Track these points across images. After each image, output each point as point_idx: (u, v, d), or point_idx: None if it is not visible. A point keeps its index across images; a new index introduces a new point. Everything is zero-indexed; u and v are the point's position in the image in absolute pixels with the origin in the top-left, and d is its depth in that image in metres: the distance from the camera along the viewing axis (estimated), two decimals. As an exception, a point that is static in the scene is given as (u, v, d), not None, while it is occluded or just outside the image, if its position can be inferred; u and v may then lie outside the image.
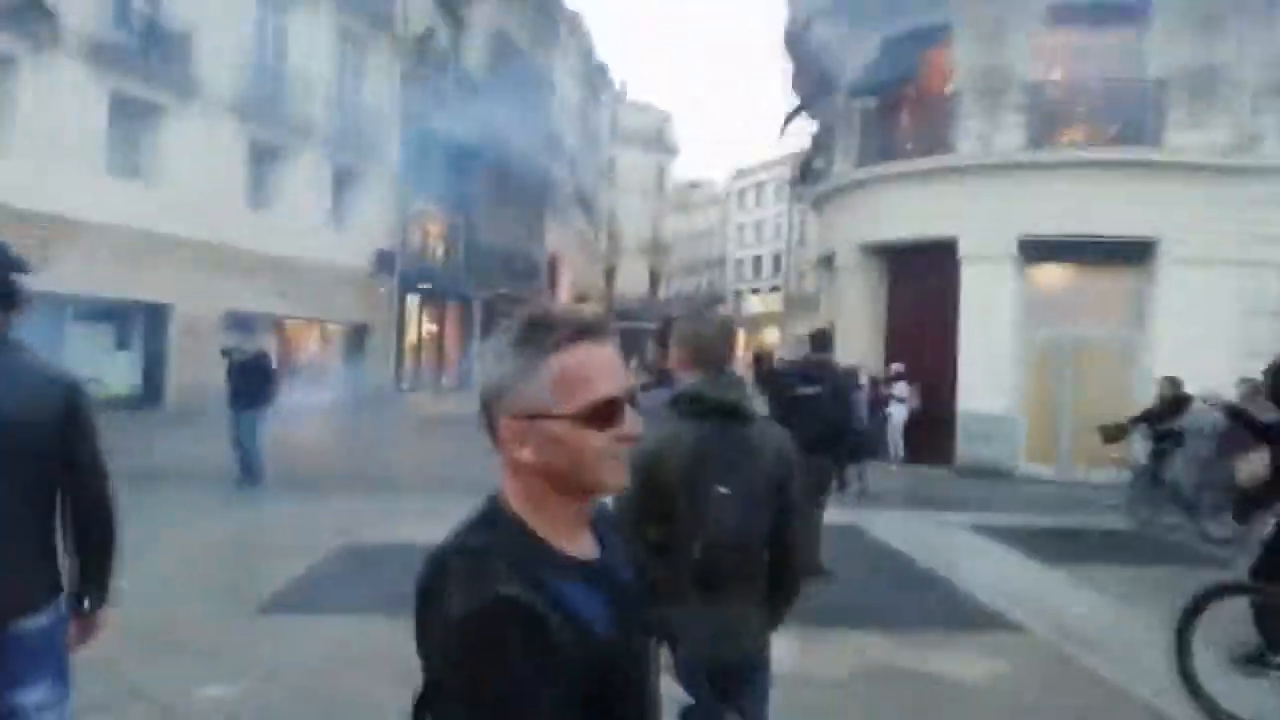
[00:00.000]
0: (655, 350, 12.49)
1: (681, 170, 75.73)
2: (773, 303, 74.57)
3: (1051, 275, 15.10)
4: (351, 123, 23.39)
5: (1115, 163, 14.22)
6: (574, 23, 42.66)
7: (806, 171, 21.33)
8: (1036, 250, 14.72)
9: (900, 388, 15.53)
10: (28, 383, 2.32)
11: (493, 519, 1.27)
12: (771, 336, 68.04)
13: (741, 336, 76.81)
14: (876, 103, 16.64)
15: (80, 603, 2.47)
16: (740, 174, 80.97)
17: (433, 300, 27.73)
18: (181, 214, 17.98)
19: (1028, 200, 14.54)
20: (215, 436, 11.58)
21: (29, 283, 2.44)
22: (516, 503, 1.27)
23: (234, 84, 19.79)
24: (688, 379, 2.51)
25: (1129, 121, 14.48)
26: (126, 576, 2.81)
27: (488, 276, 30.20)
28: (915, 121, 16.35)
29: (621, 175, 58.36)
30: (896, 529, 9.70)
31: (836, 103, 17.67)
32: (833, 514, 7.66)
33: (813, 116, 19.43)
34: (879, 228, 16.47)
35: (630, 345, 57.15)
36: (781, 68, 26.07)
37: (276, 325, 21.46)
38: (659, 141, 63.70)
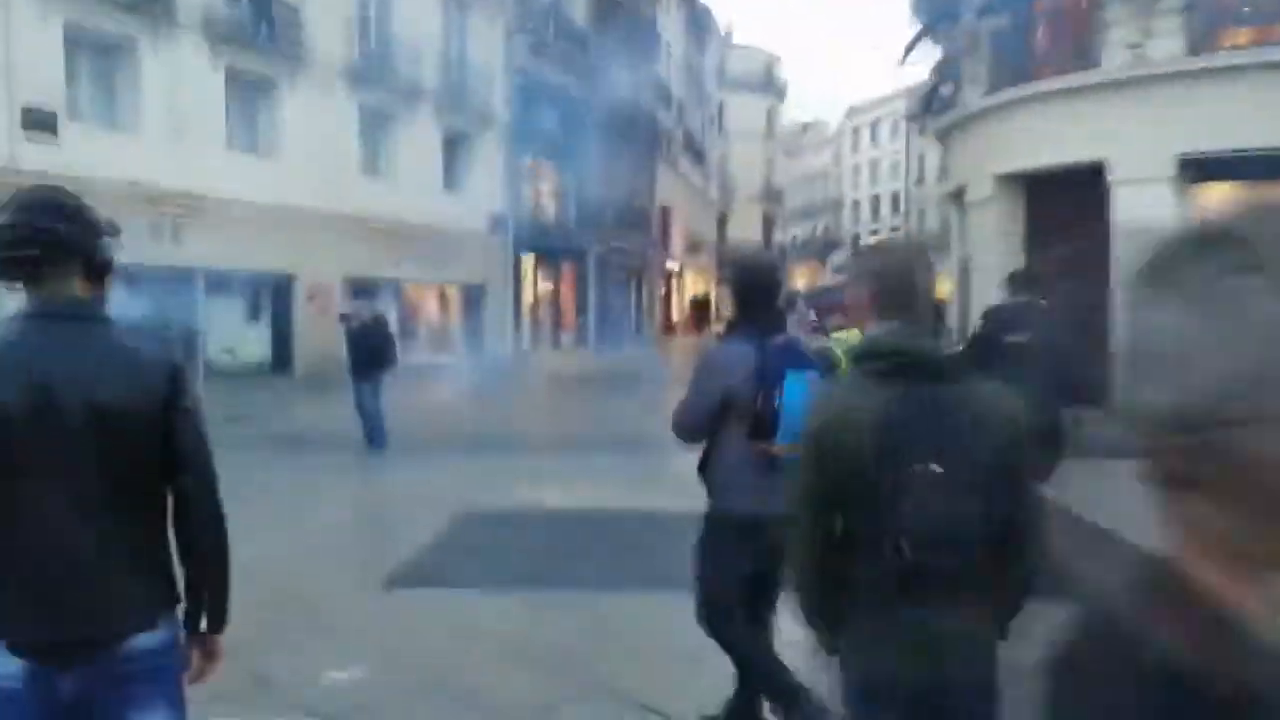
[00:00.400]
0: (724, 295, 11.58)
1: (792, 113, 73.55)
2: (892, 244, 71.84)
3: (1220, 197, 13.65)
4: (459, 83, 23.29)
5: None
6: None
7: (930, 102, 20.02)
8: (1201, 169, 13.30)
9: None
10: (124, 365, 1.97)
11: (1163, 589, 0.74)
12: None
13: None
14: (1009, 20, 15.30)
15: (196, 624, 2.12)
16: (852, 112, 78.09)
17: (547, 258, 27.68)
18: (300, 184, 18.24)
19: (1189, 113, 13.10)
20: (342, 402, 11.69)
21: (120, 251, 2.10)
22: (1195, 565, 0.73)
23: (343, 51, 19.88)
24: (870, 328, 2.01)
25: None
26: (257, 548, 2.49)
27: (600, 231, 29.92)
28: (1054, 36, 14.95)
29: (731, 121, 56.99)
30: (1080, 489, 8.85)
31: (963, 24, 16.37)
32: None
33: (936, 41, 18.11)
34: (1015, 156, 15.25)
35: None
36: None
37: (397, 289, 21.75)
38: (768, 84, 61.88)
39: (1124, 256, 13.91)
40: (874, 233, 75.19)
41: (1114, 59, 13.68)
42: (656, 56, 36.21)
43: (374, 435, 10.86)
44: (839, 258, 75.96)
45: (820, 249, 77.25)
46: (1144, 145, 13.49)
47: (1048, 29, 15.06)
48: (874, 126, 75.70)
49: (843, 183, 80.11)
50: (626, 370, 22.32)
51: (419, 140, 21.98)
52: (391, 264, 20.78)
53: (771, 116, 62.73)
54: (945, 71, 17.86)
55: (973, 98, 16.46)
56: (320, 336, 18.85)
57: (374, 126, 21.08)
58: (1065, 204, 14.91)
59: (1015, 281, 6.60)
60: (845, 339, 3.88)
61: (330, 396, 13.70)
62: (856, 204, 78.42)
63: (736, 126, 57.37)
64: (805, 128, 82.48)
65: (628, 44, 31.09)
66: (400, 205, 20.85)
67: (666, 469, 7.21)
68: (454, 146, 23.46)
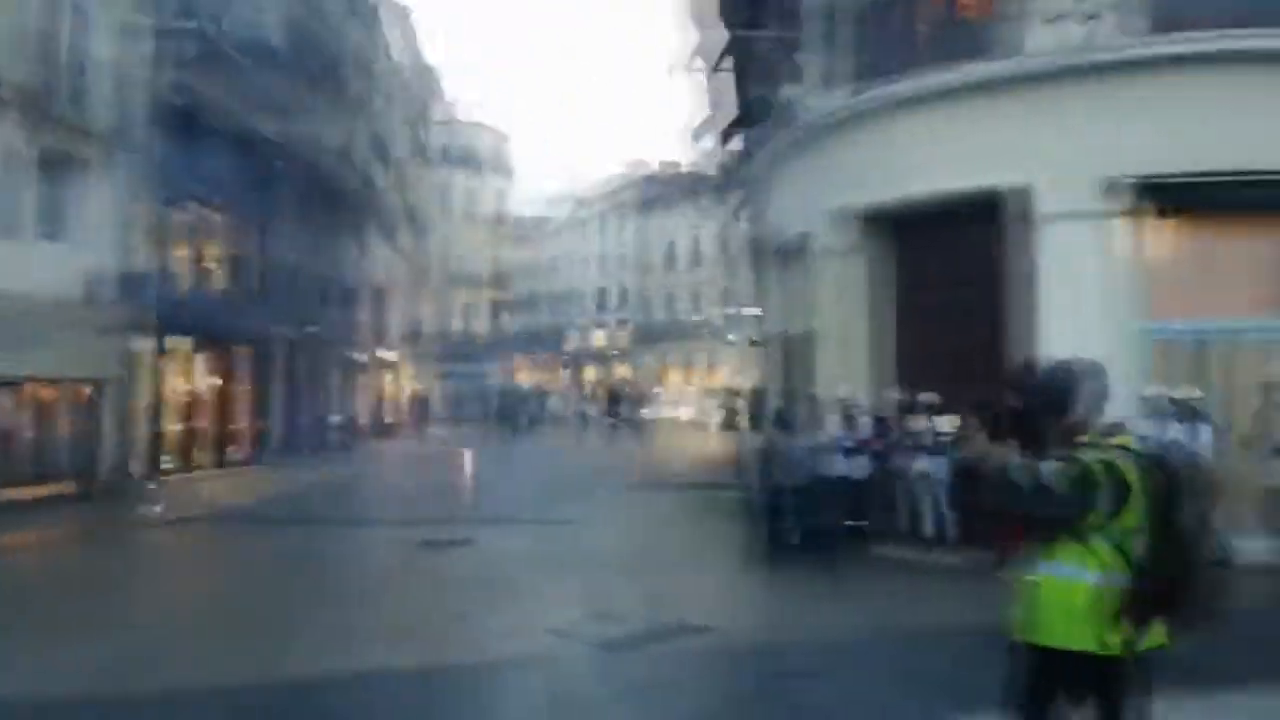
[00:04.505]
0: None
1: (517, 197, 69.50)
2: (621, 339, 69.11)
3: (1174, 238, 9.91)
4: (70, 85, 15.94)
5: (1266, 54, 9.20)
6: (400, 13, 36.03)
7: (731, 135, 15.69)
8: (1150, 199, 9.53)
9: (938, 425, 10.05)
10: None
11: None
12: (623, 372, 62.56)
13: (590, 373, 71.06)
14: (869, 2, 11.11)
15: None
16: (579, 204, 75.58)
17: (213, 344, 20.17)
18: None
19: (1133, 123, 9.36)
20: None
21: None
22: None
23: None
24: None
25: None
26: None
27: (293, 310, 22.89)
28: (939, 15, 10.84)
29: (456, 199, 51.68)
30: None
31: (806, 11, 12.03)
32: None
33: (740, 59, 13.68)
34: (885, 183, 10.92)
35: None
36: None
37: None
38: (497, 164, 57.36)
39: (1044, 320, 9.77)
40: (600, 324, 72.36)
41: (1038, 41, 9.67)
42: (372, 102, 30.19)
43: None
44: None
45: (545, 342, 73.12)
46: (1073, 166, 9.57)
47: (929, 4, 10.90)
48: (602, 218, 73.52)
49: (570, 274, 77.16)
50: (314, 502, 15.65)
51: (-6, 158, 14.31)
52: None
53: (501, 198, 58.08)
54: (763, 82, 13.43)
55: (818, 107, 12.02)
56: None
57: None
58: (956, 251, 10.77)
59: None
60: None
61: None
62: (581, 295, 75.44)
63: (461, 205, 52.12)
64: (533, 218, 79.14)
65: (335, 79, 24.98)
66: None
67: None
68: (55, 173, 15.84)
